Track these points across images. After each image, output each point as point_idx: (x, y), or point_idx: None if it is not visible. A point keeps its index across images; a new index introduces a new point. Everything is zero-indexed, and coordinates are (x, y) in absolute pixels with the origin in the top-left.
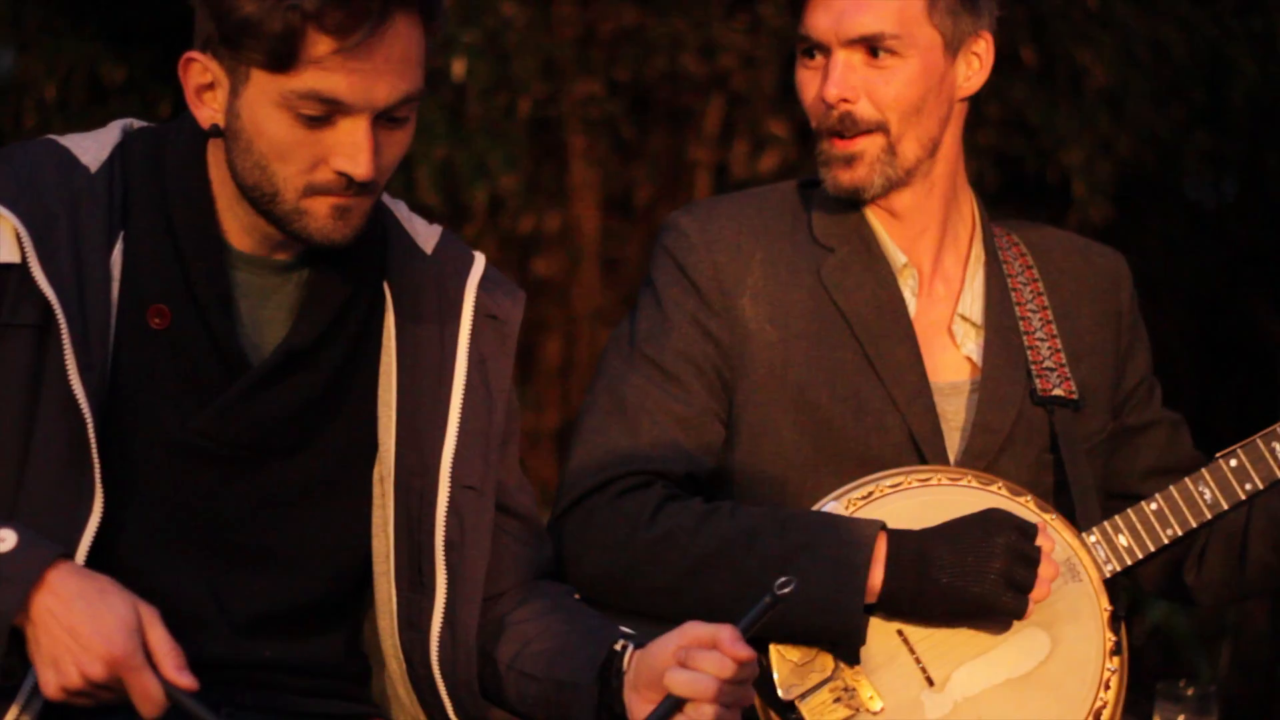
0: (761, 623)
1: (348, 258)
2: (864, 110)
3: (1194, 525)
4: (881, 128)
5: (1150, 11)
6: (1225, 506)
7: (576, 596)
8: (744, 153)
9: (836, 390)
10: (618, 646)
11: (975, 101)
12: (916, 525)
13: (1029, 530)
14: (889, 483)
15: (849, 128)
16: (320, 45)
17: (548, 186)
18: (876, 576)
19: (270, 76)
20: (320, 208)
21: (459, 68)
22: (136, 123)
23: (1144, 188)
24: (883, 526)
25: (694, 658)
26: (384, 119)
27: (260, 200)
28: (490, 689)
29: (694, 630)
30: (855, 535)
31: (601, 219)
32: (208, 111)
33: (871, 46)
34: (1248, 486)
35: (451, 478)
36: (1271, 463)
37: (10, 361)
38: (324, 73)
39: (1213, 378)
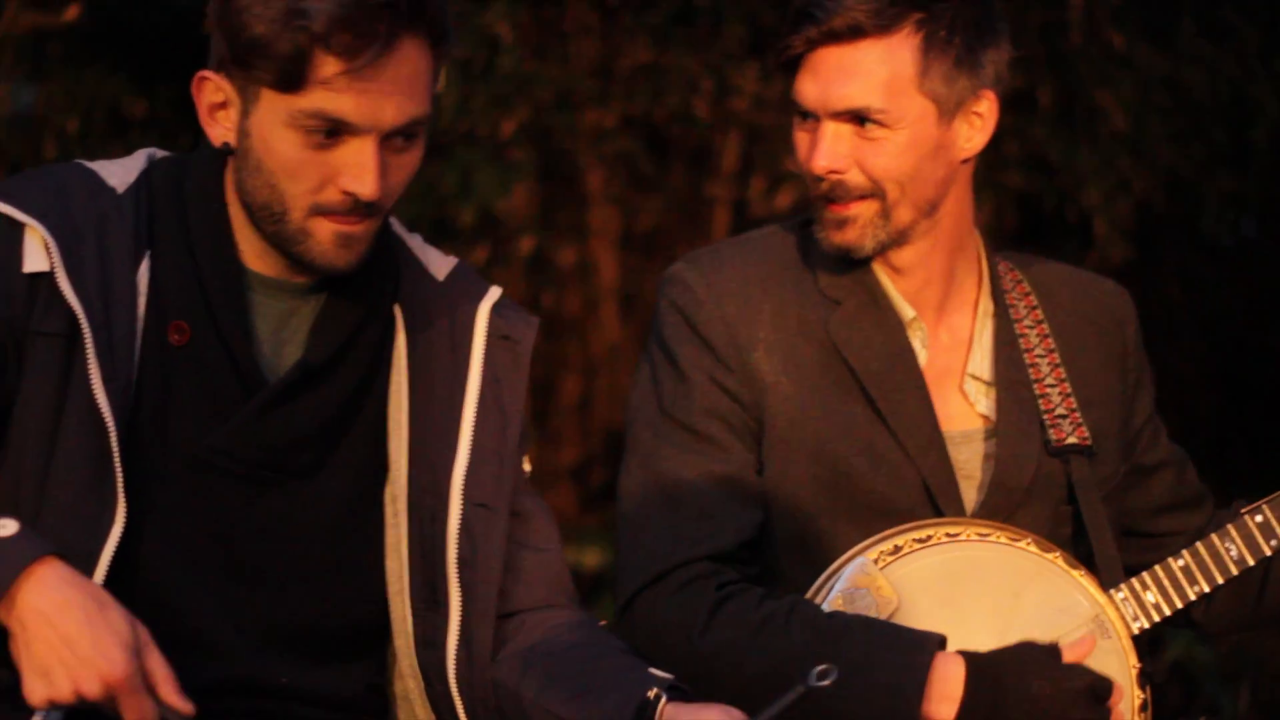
0: (788, 712)
1: (363, 282)
2: (855, 179)
3: (1220, 581)
4: (875, 194)
5: (1172, 52)
6: (1251, 562)
7: (602, 623)
8: (761, 189)
9: (852, 442)
10: (650, 695)
11: (995, 141)
12: (946, 584)
13: (1102, 691)
14: (916, 535)
15: (841, 195)
16: (328, 66)
17: (565, 222)
18: (949, 709)
19: (279, 96)
20: (324, 231)
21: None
22: (160, 152)
23: (1163, 226)
24: (939, 645)
25: None
26: (391, 140)
27: (268, 219)
28: None
29: (709, 716)
30: (908, 659)
31: (619, 256)
32: (220, 130)
33: (859, 117)
34: (1273, 542)
35: (464, 495)
36: None
37: (38, 369)
38: (331, 93)
39: (1232, 416)
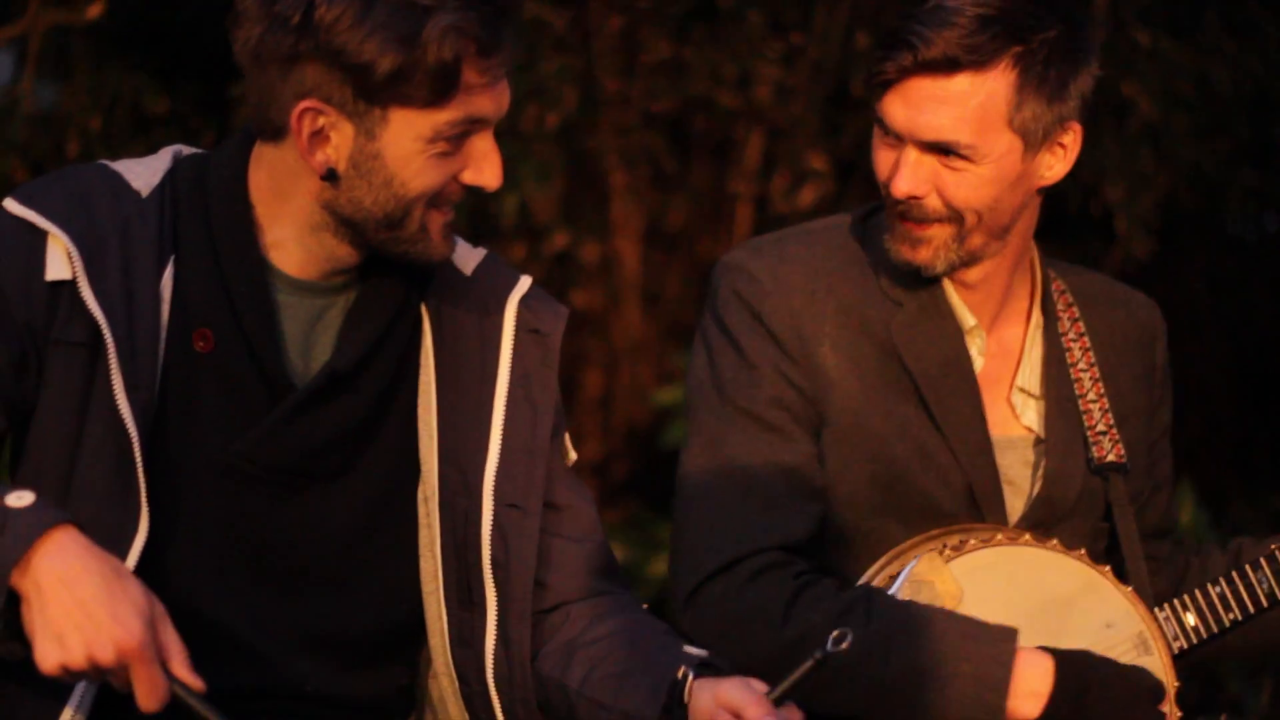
0: (805, 679)
1: (392, 279)
2: (934, 203)
3: (1252, 611)
4: (953, 220)
5: (1196, 48)
6: None
7: (645, 606)
8: (784, 186)
9: (906, 443)
10: (680, 674)
11: None
12: (1005, 584)
13: (1160, 694)
14: (979, 535)
15: (918, 216)
16: (473, 72)
17: (588, 219)
18: (1034, 706)
19: (419, 113)
20: (436, 224)
21: None
22: (187, 149)
23: (1186, 223)
24: (1014, 636)
25: None
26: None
27: (382, 228)
28: (563, 715)
29: (729, 692)
30: (992, 650)
31: (642, 251)
32: (322, 157)
33: (945, 149)
34: None
35: (495, 496)
36: None
37: (61, 378)
38: (472, 97)
39: (1255, 414)
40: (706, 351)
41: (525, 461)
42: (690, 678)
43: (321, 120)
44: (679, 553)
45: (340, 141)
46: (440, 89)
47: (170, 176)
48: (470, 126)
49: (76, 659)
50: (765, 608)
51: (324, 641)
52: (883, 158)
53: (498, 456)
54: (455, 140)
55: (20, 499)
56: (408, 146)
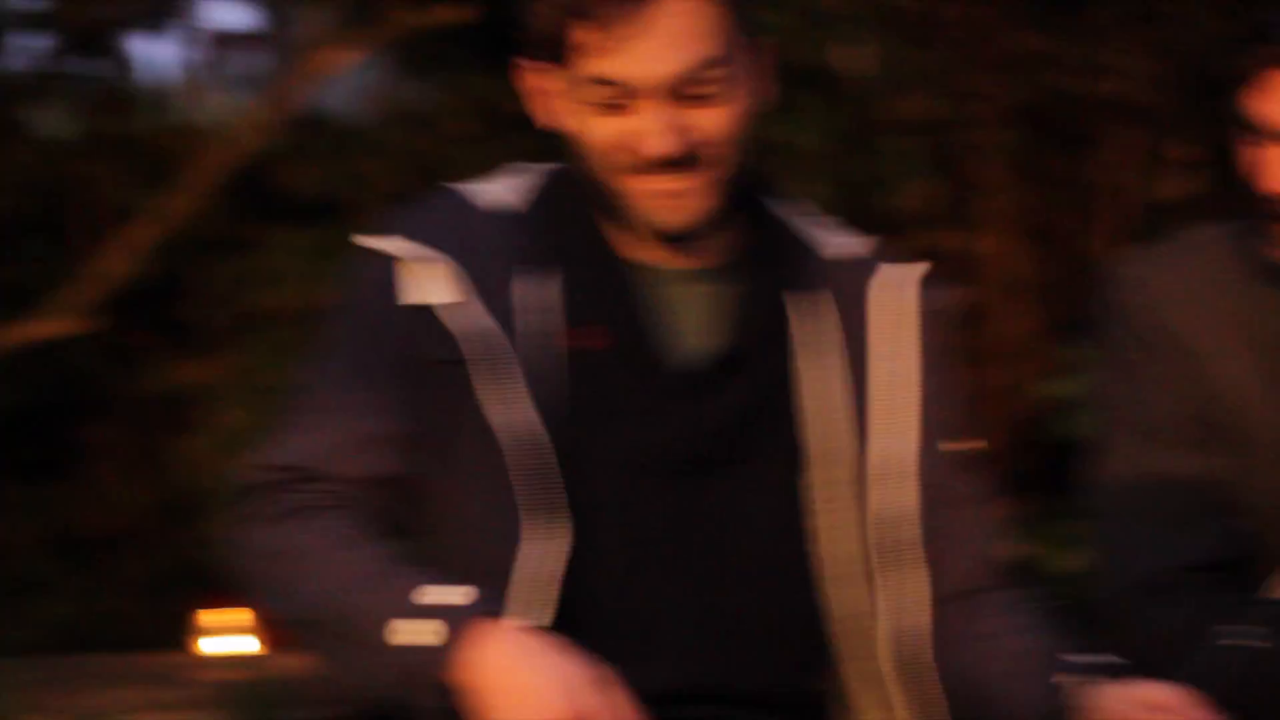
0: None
1: (756, 263)
2: None
3: None
4: None
5: None
6: None
7: (1057, 603)
8: (1153, 178)
9: None
10: (1062, 683)
11: None
12: None
13: None
14: None
15: None
16: (586, 34)
17: (960, 212)
18: None
19: (563, 72)
20: (641, 191)
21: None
22: (530, 165)
23: None
24: None
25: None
26: (682, 95)
27: (603, 193)
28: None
29: (1146, 689)
30: None
31: (1016, 245)
32: (541, 114)
33: None
34: None
35: (917, 475)
36: None
37: (446, 402)
38: (598, 59)
39: None
40: (1101, 364)
41: (933, 441)
42: (1077, 686)
43: (531, 77)
44: (1097, 566)
45: (545, 100)
46: (554, 51)
47: (535, 190)
48: (616, 91)
49: None
50: (1170, 627)
51: (745, 636)
52: (1261, 159)
53: (912, 437)
54: (607, 102)
55: (464, 595)
56: (567, 105)
